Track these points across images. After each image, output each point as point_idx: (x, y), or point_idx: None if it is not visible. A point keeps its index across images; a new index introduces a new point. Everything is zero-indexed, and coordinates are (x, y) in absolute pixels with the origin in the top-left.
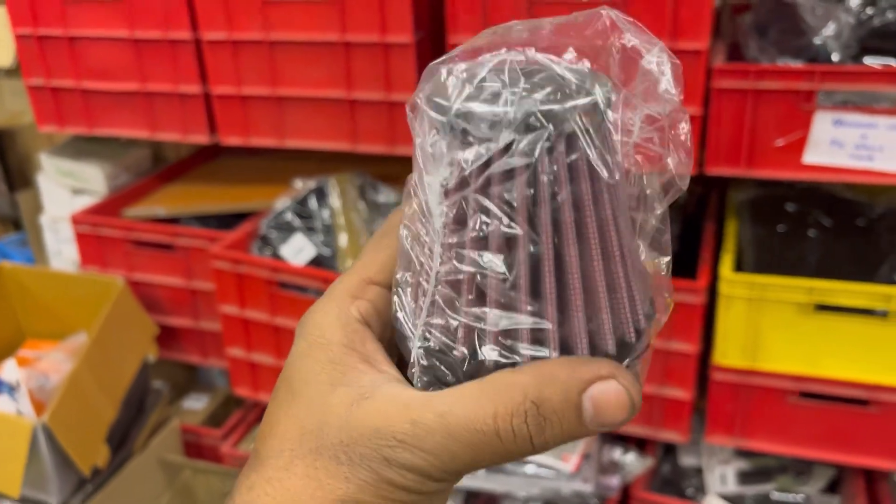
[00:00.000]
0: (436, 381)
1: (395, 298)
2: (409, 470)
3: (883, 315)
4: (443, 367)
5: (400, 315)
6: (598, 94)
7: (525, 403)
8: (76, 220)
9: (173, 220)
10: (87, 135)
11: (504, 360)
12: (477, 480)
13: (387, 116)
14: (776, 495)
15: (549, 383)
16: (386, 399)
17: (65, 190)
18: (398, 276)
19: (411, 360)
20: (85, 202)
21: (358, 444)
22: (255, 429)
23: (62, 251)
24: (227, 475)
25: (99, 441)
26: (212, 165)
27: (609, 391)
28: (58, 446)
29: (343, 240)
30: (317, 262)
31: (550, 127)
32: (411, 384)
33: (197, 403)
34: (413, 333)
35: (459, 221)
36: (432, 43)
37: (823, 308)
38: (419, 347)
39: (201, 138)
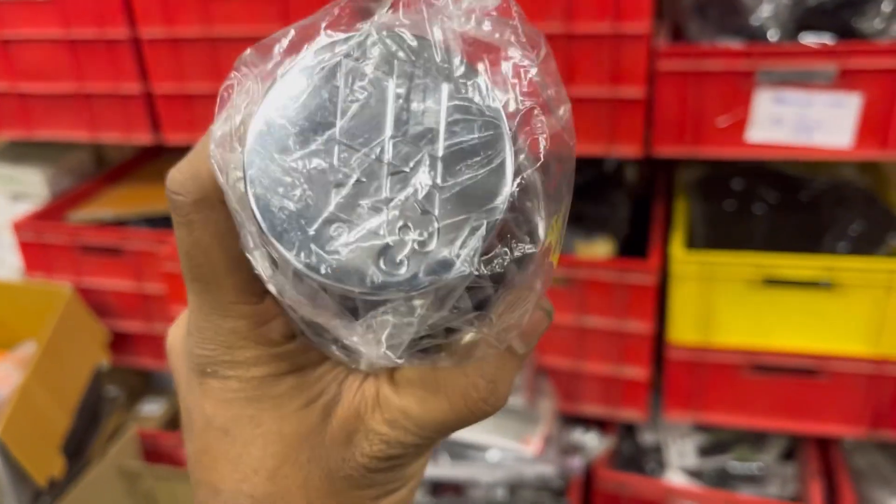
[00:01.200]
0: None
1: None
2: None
3: (827, 286)
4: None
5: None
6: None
7: (481, 392)
8: (19, 227)
9: (119, 223)
10: (25, 139)
11: None
12: (441, 469)
13: None
14: (734, 465)
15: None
16: (356, 399)
17: (3, 196)
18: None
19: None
20: (26, 208)
21: (358, 444)
22: None
23: (5, 259)
24: (188, 480)
25: (54, 452)
26: (156, 165)
27: (534, 318)
28: (11, 459)
29: None
30: None
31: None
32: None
33: (153, 408)
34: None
35: None
36: None
37: (771, 282)
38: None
39: (144, 138)
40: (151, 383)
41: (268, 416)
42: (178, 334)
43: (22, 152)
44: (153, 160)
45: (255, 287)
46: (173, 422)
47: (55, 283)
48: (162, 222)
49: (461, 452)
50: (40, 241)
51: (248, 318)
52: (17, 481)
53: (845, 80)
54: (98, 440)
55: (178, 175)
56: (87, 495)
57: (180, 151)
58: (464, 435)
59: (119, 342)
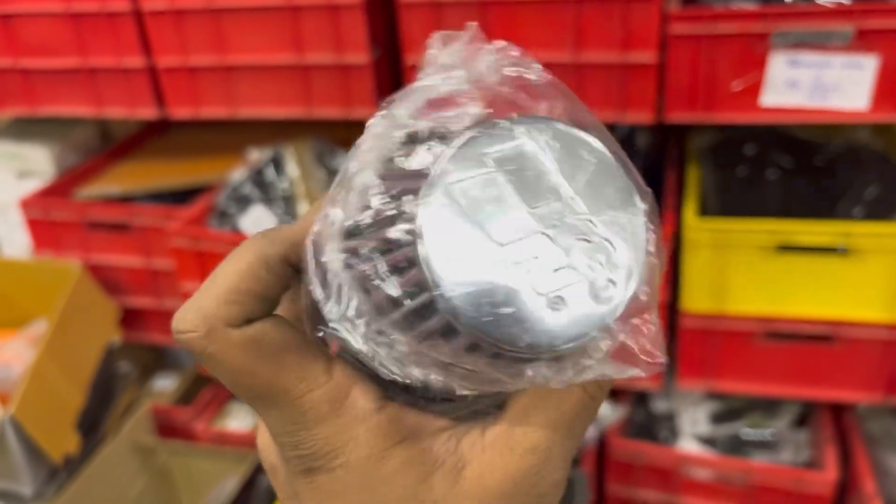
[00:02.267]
0: None
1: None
2: None
3: (842, 252)
4: None
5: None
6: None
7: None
8: (26, 205)
9: (127, 199)
10: (29, 115)
11: None
12: None
13: (340, 79)
14: (747, 432)
15: None
16: (485, 457)
17: (10, 174)
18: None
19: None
20: (32, 185)
21: (512, 496)
22: (229, 405)
23: (13, 237)
24: (203, 454)
25: (68, 429)
26: (162, 140)
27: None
28: (26, 437)
29: (303, 208)
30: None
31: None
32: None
33: (166, 383)
34: None
35: None
36: (383, 1)
37: (786, 248)
38: None
39: (149, 113)
40: (163, 359)
41: (384, 500)
42: (266, 443)
43: (27, 129)
44: (158, 135)
45: (316, 367)
46: (186, 397)
47: (64, 260)
48: (169, 198)
49: None
50: (48, 219)
51: (328, 401)
52: (32, 458)
53: (862, 41)
54: (112, 416)
55: (183, 315)
56: (103, 471)
57: (185, 125)
58: None
59: (129, 318)
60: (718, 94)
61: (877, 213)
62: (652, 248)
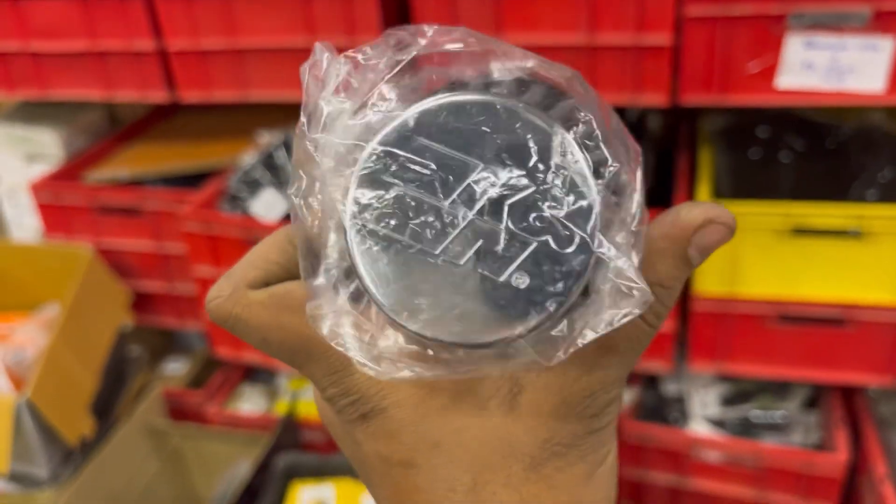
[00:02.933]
0: None
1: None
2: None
3: (855, 235)
4: None
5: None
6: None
7: (661, 296)
8: (36, 189)
9: (136, 183)
10: (39, 99)
11: None
12: None
13: None
14: (757, 414)
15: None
16: (540, 382)
17: (18, 158)
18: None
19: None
20: (41, 169)
21: (566, 418)
22: (241, 387)
23: (23, 221)
24: (215, 437)
25: (83, 412)
26: (170, 123)
27: (712, 231)
28: (42, 420)
29: None
30: (290, 216)
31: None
32: None
33: (177, 367)
34: None
35: None
36: None
37: (799, 231)
38: None
39: (159, 96)
40: (174, 342)
41: (441, 433)
42: (320, 398)
43: (35, 112)
44: (167, 118)
45: None
46: (197, 381)
47: (75, 244)
48: (179, 182)
49: None
50: (58, 203)
51: None
52: (48, 441)
53: (879, 22)
54: (124, 400)
55: (214, 286)
56: (116, 454)
57: (193, 108)
58: None
59: (140, 302)
60: (734, 77)
61: (890, 195)
62: (599, 178)
